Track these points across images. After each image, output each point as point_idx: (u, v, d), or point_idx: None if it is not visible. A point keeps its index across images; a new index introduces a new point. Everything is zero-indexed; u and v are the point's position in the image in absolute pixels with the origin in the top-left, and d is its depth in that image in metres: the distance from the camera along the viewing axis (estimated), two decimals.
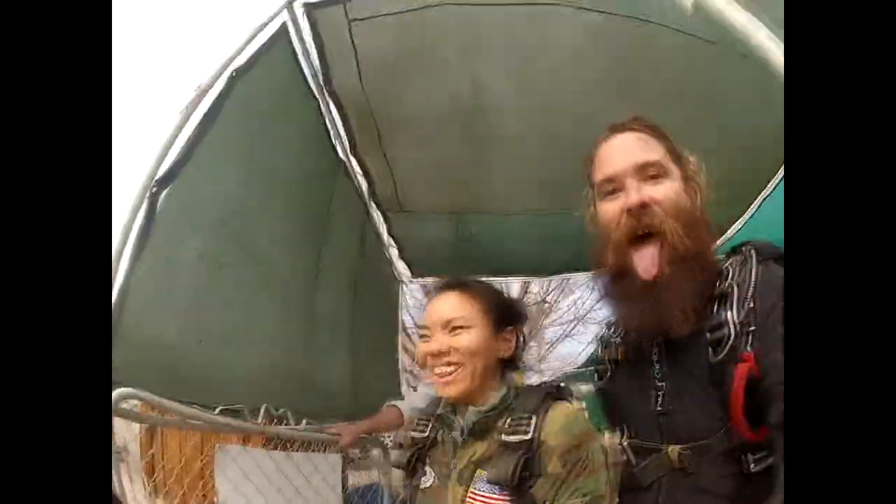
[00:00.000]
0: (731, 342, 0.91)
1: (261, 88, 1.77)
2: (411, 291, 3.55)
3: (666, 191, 0.99)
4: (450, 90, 2.01)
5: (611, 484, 1.06)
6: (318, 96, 2.11)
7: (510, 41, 1.84)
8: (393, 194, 2.66)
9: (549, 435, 1.05)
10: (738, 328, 0.91)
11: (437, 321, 1.15)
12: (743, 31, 0.87)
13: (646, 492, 1.04)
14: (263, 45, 1.73)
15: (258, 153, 1.84)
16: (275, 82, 1.86)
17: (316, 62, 2.01)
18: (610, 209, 1.02)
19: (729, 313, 0.93)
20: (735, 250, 1.04)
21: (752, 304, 0.92)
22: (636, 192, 0.98)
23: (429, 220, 2.75)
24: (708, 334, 0.95)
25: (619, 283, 1.03)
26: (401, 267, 3.27)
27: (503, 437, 1.07)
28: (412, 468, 1.21)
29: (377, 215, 2.85)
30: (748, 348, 0.89)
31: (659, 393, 1.03)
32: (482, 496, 1.07)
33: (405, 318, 3.58)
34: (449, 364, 1.12)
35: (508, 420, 1.09)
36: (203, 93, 1.58)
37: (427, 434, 1.21)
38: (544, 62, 1.87)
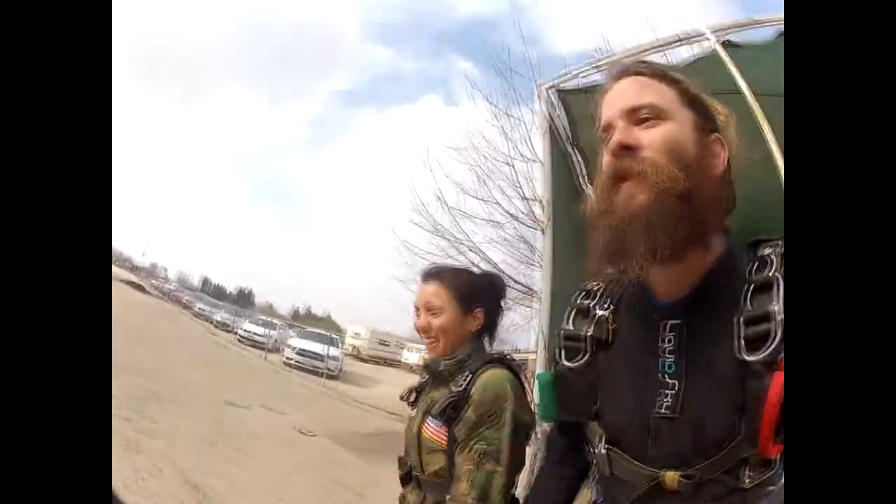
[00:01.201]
0: (776, 342, 0.74)
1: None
2: None
3: (658, 133, 0.85)
4: None
5: (510, 440, 1.32)
6: (568, 148, 2.99)
7: None
8: None
9: (474, 390, 1.38)
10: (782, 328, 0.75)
11: (420, 305, 1.54)
12: None
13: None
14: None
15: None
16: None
17: (566, 126, 2.93)
18: (605, 157, 0.88)
19: (775, 307, 0.76)
20: (769, 242, 0.87)
21: None
22: (619, 133, 0.86)
23: None
24: (744, 326, 0.78)
25: (598, 226, 0.87)
26: None
27: (451, 386, 1.42)
28: (413, 400, 1.62)
29: None
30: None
31: (668, 393, 0.83)
32: (429, 425, 1.43)
33: None
34: (429, 337, 1.51)
35: (459, 374, 1.44)
36: None
37: (426, 380, 1.62)
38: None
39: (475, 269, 1.85)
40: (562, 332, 0.99)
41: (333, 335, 22.97)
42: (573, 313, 1.00)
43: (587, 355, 0.94)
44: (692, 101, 0.90)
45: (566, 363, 0.96)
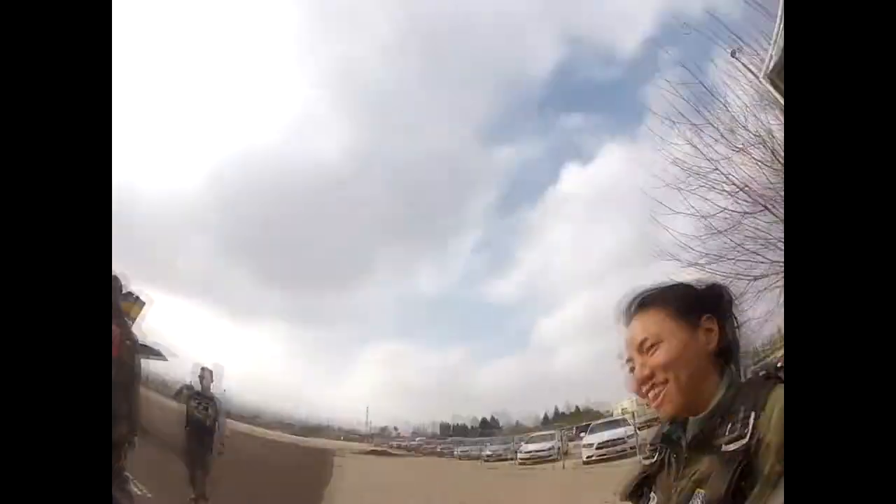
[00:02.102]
0: None
1: None
2: None
3: None
4: None
5: None
6: None
7: None
8: None
9: (768, 429, 0.90)
10: None
11: (633, 347, 1.12)
12: None
13: None
14: None
15: None
16: None
17: None
18: None
19: None
20: None
21: None
22: None
23: None
24: None
25: None
26: None
27: (723, 446, 0.95)
28: (639, 494, 1.16)
29: None
30: None
31: None
32: None
33: None
34: (655, 385, 1.08)
35: (729, 425, 0.96)
36: None
37: (655, 459, 1.15)
38: None
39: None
40: None
41: (619, 418, 22.29)
42: None
43: None
44: None
45: None
